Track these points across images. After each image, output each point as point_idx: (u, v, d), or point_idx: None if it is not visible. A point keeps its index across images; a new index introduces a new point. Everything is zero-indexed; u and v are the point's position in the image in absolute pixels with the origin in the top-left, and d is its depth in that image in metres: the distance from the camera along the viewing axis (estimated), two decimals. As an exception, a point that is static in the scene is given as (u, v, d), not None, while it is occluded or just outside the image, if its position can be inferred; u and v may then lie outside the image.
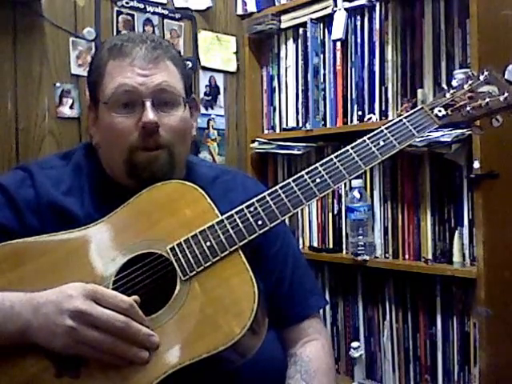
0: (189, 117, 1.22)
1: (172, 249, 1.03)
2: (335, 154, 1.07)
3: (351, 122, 2.23)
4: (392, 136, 1.08)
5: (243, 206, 1.05)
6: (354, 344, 2.16)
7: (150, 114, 1.11)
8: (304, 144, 2.31)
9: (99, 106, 1.17)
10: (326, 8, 2.26)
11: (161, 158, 1.15)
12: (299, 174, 1.07)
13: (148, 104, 1.12)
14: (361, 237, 2.09)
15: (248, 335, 0.95)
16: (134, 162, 1.14)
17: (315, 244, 2.36)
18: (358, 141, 1.08)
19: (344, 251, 2.25)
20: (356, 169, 1.06)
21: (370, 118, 2.15)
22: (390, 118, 2.09)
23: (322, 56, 2.32)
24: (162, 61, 1.16)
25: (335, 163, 1.06)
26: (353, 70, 2.22)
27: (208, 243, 1.02)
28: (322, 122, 2.32)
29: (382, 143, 1.07)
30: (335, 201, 2.28)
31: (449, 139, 1.79)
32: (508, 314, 1.81)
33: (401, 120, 1.09)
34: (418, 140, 1.12)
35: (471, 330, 1.89)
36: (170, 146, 1.15)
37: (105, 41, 1.25)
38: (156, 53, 1.15)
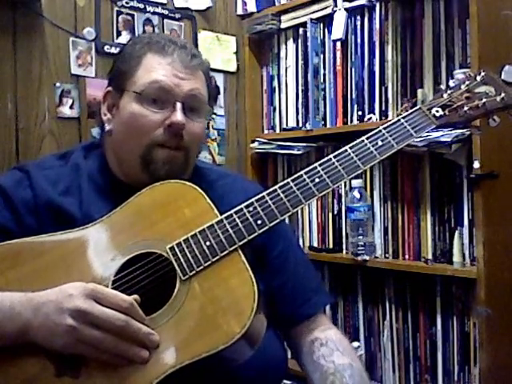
0: (205, 126, 1.26)
1: (171, 248, 1.03)
2: (334, 153, 1.08)
3: (351, 121, 2.23)
4: (390, 136, 1.08)
5: (242, 205, 1.05)
6: (354, 344, 2.15)
7: (179, 115, 1.14)
8: (304, 144, 2.31)
9: (125, 94, 1.18)
10: (326, 8, 2.27)
11: (178, 159, 1.17)
12: (298, 174, 1.07)
13: (179, 105, 1.15)
14: (361, 237, 2.09)
15: (252, 327, 0.96)
16: (152, 157, 1.16)
17: (315, 244, 2.36)
18: (357, 141, 1.08)
19: (344, 251, 2.25)
20: (354, 168, 1.06)
21: (370, 118, 2.15)
22: (389, 118, 2.10)
23: (321, 56, 2.32)
24: (198, 70, 1.20)
25: (334, 163, 1.07)
26: (353, 69, 2.23)
27: (207, 243, 1.02)
28: (322, 122, 2.32)
29: (380, 143, 1.08)
30: (335, 201, 2.28)
31: (449, 139, 1.79)
32: (508, 314, 1.81)
33: (399, 120, 1.10)
34: (417, 140, 1.13)
35: (471, 330, 1.89)
36: (187, 150, 1.18)
37: (140, 35, 1.27)
38: (194, 61, 1.19)
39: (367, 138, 1.08)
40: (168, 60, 1.16)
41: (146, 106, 1.15)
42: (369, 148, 1.07)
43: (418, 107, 1.12)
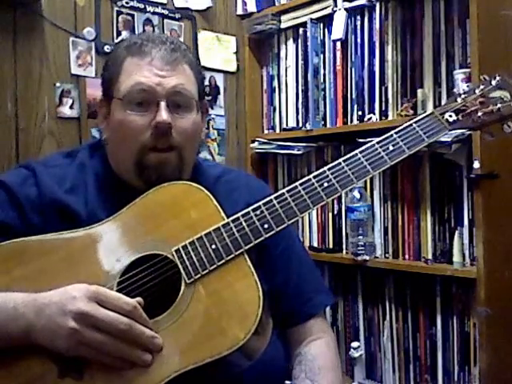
0: (200, 121, 1.23)
1: (177, 251, 1.03)
2: (343, 158, 1.06)
3: (351, 122, 2.23)
4: (402, 141, 1.06)
5: (250, 209, 1.05)
6: (354, 344, 2.16)
7: (164, 114, 1.12)
8: (304, 144, 2.31)
9: (113, 102, 1.17)
10: (326, 8, 2.27)
11: (171, 160, 1.15)
12: (306, 178, 1.06)
13: (163, 104, 1.13)
14: (361, 237, 2.09)
15: (253, 338, 0.95)
16: (144, 163, 1.14)
17: (315, 244, 2.36)
18: (367, 145, 1.07)
19: (344, 251, 2.26)
20: (364, 173, 1.05)
21: (370, 118, 2.15)
22: (390, 118, 2.10)
23: (321, 56, 2.32)
24: (180, 64, 1.16)
25: (343, 167, 1.05)
26: (353, 69, 2.23)
27: (213, 246, 1.02)
28: (322, 122, 2.32)
29: (391, 148, 1.06)
30: (335, 201, 2.28)
31: (449, 139, 1.79)
32: (508, 314, 1.82)
33: (411, 125, 1.08)
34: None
35: (471, 330, 1.89)
36: (180, 149, 1.16)
37: (123, 39, 1.25)
38: (175, 55, 1.16)
39: (378, 143, 1.07)
40: (146, 60, 1.14)
41: (131, 110, 1.14)
42: (379, 153, 1.06)
43: (430, 111, 1.10)
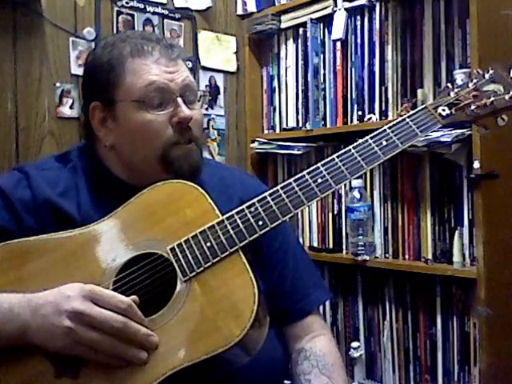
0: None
1: (172, 249, 1.03)
2: (337, 153, 1.06)
3: (351, 121, 2.23)
4: (395, 136, 1.06)
5: (244, 206, 1.05)
6: (354, 344, 2.15)
7: (186, 110, 1.15)
8: (304, 144, 2.31)
9: (119, 105, 1.16)
10: (326, 8, 2.26)
11: (194, 151, 1.19)
12: (300, 174, 1.06)
13: (180, 100, 1.15)
14: (361, 237, 2.09)
15: (250, 333, 0.95)
16: (170, 157, 1.16)
17: (315, 244, 2.36)
18: (361, 140, 1.07)
19: (344, 251, 2.25)
20: (358, 169, 1.05)
21: (370, 118, 2.15)
22: (390, 118, 2.10)
23: (321, 56, 2.32)
24: (179, 59, 1.19)
25: (337, 163, 1.05)
26: (353, 69, 2.22)
27: (208, 244, 1.02)
28: (322, 122, 2.32)
29: (384, 143, 1.06)
30: (335, 201, 2.28)
31: (449, 139, 1.79)
32: (508, 314, 1.81)
33: (404, 119, 1.08)
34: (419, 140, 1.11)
35: (471, 330, 1.89)
36: (197, 140, 1.20)
37: (108, 41, 1.21)
38: (175, 52, 1.19)
39: (371, 138, 1.07)
40: (152, 59, 1.15)
41: (149, 110, 1.14)
42: (373, 148, 1.06)
43: (423, 106, 1.10)
